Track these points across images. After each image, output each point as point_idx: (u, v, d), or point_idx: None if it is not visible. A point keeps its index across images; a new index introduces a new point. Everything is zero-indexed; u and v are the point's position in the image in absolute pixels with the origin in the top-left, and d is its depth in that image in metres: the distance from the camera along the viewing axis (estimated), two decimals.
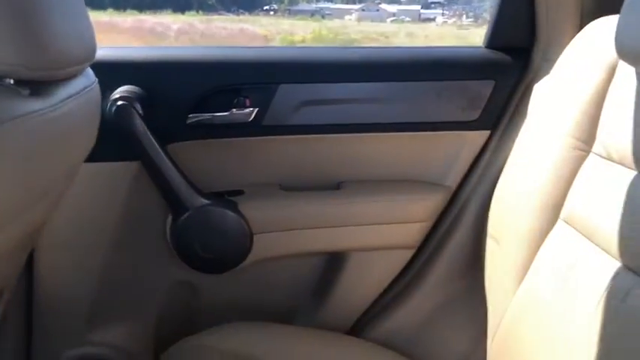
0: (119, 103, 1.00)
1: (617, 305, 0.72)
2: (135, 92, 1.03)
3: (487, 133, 1.15)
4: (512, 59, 1.14)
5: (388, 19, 3.49)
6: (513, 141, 1.05)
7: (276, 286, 1.19)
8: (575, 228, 0.85)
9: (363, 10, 3.61)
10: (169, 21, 2.15)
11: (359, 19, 3.49)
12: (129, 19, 2.08)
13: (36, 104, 0.59)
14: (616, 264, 0.75)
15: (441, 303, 1.15)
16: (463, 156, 1.16)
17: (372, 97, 1.13)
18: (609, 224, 0.77)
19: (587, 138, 0.87)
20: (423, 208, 1.16)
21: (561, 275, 0.84)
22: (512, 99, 1.13)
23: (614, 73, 0.86)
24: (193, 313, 1.20)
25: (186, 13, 2.43)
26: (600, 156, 0.85)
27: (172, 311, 1.18)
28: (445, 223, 1.17)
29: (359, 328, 1.18)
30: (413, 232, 1.17)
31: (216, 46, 1.26)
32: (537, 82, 1.09)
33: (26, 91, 0.59)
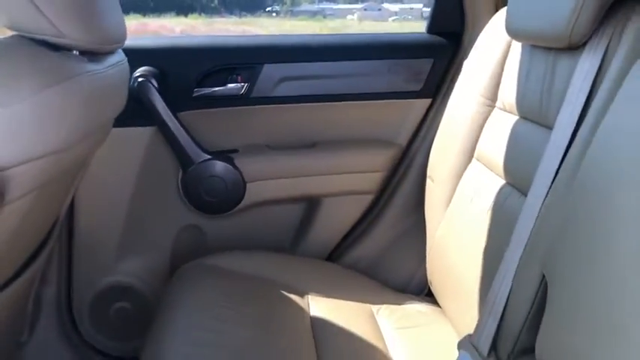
0: (140, 79, 1.30)
1: (499, 208, 1.03)
2: (151, 71, 1.33)
3: (429, 100, 1.46)
4: (447, 42, 1.45)
5: (390, 18, 3.64)
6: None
7: (267, 225, 1.49)
8: (482, 163, 1.16)
9: (365, 9, 3.75)
10: (172, 24, 2.26)
11: (360, 19, 3.63)
12: (132, 22, 2.15)
13: (92, 67, 0.88)
14: (502, 182, 1.06)
15: (396, 234, 1.46)
16: (411, 119, 1.47)
17: (338, 73, 1.43)
18: (501, 156, 1.08)
19: (492, 96, 1.18)
20: (380, 160, 1.47)
21: (470, 197, 1.15)
22: (447, 73, 1.44)
23: (509, 48, 1.16)
24: (201, 250, 1.50)
25: (189, 16, 2.57)
26: (500, 109, 1.16)
27: (184, 249, 1.48)
28: (398, 172, 1.48)
29: (334, 255, 1.50)
30: (373, 180, 1.47)
31: (215, 35, 1.56)
32: (466, 59, 1.39)
33: (85, 59, 0.88)
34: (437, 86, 1.45)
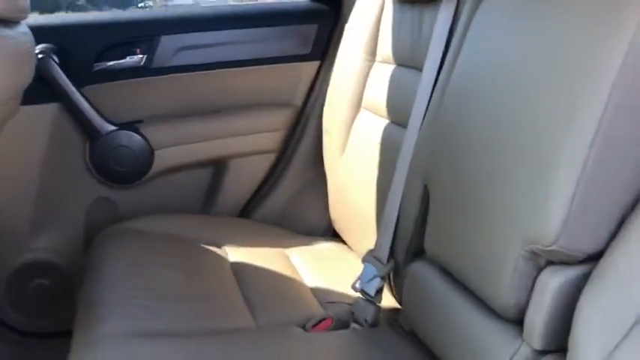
0: (40, 56, 1.32)
1: (386, 143, 1.20)
2: (51, 48, 1.36)
3: (318, 62, 1.61)
4: (329, 8, 1.60)
5: None
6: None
7: (178, 190, 1.57)
8: (370, 111, 1.33)
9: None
10: None
11: None
12: None
13: (9, 32, 0.93)
14: (386, 122, 1.23)
15: (301, 185, 1.60)
16: (303, 80, 1.61)
17: (233, 41, 1.54)
18: (384, 100, 1.25)
19: (372, 51, 1.35)
20: (279, 120, 1.60)
21: (362, 141, 1.32)
22: (332, 36, 1.59)
23: (383, 8, 1.33)
24: (115, 222, 1.54)
25: (55, 13, 2.53)
26: (379, 62, 1.33)
27: (97, 222, 1.52)
28: (297, 130, 1.62)
29: (245, 212, 1.61)
30: (274, 139, 1.60)
31: (112, 12, 1.59)
32: (347, 22, 1.55)
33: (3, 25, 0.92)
34: (323, 49, 1.59)
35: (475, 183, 0.84)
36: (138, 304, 1.05)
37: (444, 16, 1.06)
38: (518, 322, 0.76)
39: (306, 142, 1.60)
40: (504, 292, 0.76)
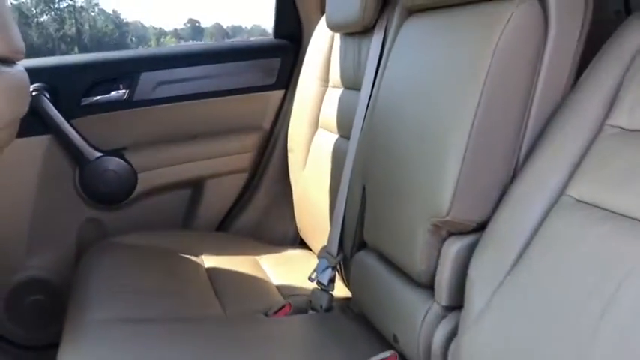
0: (34, 93, 1.51)
1: (336, 154, 1.38)
2: (43, 86, 1.54)
3: (282, 91, 1.80)
4: (290, 44, 1.80)
5: None
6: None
7: (160, 209, 1.74)
8: (325, 129, 1.51)
9: None
10: None
11: None
12: None
13: (7, 69, 1.11)
14: (337, 136, 1.41)
15: (270, 201, 1.78)
16: (270, 107, 1.80)
17: (206, 74, 1.73)
18: (334, 118, 1.44)
19: (326, 77, 1.54)
20: (249, 143, 1.78)
21: (319, 155, 1.50)
22: (294, 68, 1.79)
23: (333, 41, 1.53)
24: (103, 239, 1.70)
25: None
26: (331, 86, 1.52)
27: (88, 241, 1.68)
28: (266, 151, 1.80)
29: (223, 226, 1.78)
30: (245, 160, 1.78)
31: (96, 53, 1.79)
32: (305, 55, 1.74)
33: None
34: (286, 79, 1.79)
35: (395, 175, 1.02)
36: (122, 299, 1.21)
37: (375, 44, 1.25)
38: (430, 286, 0.93)
39: (274, 161, 1.78)
40: (417, 261, 0.93)
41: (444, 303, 0.90)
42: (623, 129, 0.77)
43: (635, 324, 0.63)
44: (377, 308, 1.10)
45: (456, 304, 0.89)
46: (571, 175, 0.80)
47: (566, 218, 0.77)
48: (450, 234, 0.91)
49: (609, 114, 0.80)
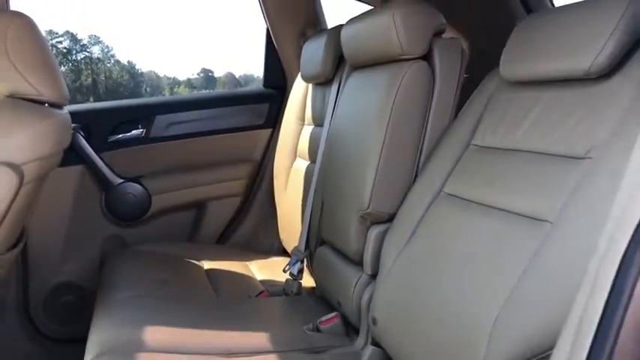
0: (71, 132, 1.92)
1: (307, 176, 1.76)
2: (78, 126, 1.95)
3: (270, 129, 2.20)
4: (276, 91, 2.22)
5: None
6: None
7: (169, 226, 2.12)
8: (301, 157, 1.91)
9: None
10: None
11: None
12: None
13: (58, 111, 1.51)
14: (308, 162, 1.80)
15: (260, 219, 2.16)
16: (260, 142, 2.20)
17: (207, 117, 2.14)
18: (306, 149, 1.82)
19: (302, 117, 1.94)
20: (243, 172, 2.18)
21: (296, 179, 1.88)
22: (280, 111, 2.19)
23: (307, 89, 1.94)
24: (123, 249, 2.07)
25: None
26: (306, 124, 1.92)
27: (110, 251, 2.05)
28: (257, 179, 2.19)
29: (221, 240, 2.16)
30: (239, 186, 2.18)
31: (121, 100, 2.21)
32: (288, 101, 2.15)
33: (51, 108, 1.46)
34: (273, 120, 2.20)
35: (338, 185, 1.41)
36: (138, 286, 1.57)
37: (333, 91, 1.66)
38: (360, 262, 1.30)
39: (263, 186, 2.17)
40: (351, 244, 1.30)
41: (368, 272, 1.27)
42: (479, 146, 1.15)
43: (467, 262, 0.99)
44: (329, 285, 1.46)
45: (376, 272, 1.26)
46: (447, 178, 1.17)
47: (440, 206, 1.15)
48: (372, 223, 1.28)
49: (473, 137, 1.18)
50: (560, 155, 0.94)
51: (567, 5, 1.05)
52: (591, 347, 0.60)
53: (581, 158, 0.89)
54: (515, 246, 0.92)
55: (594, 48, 0.90)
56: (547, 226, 0.88)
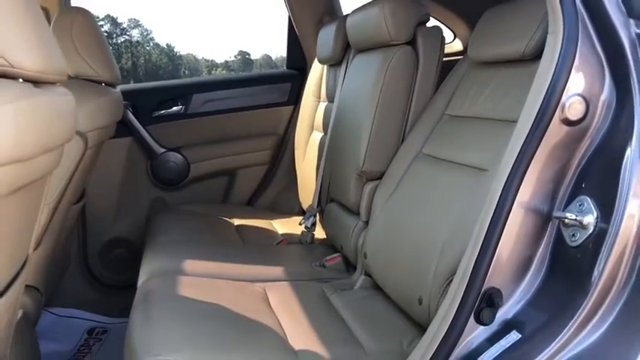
0: (122, 107, 2.25)
1: (321, 144, 2.05)
2: (128, 103, 2.28)
3: (292, 106, 2.49)
4: (298, 72, 2.50)
5: None
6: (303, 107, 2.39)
7: (205, 189, 2.45)
8: (316, 130, 2.19)
9: None
10: None
11: None
12: None
13: (113, 90, 1.83)
14: (322, 134, 2.09)
15: (283, 184, 2.47)
16: (283, 117, 2.49)
17: (238, 95, 2.45)
18: (321, 122, 2.10)
19: (318, 95, 2.23)
20: (269, 144, 2.49)
21: (312, 149, 2.17)
22: (300, 90, 2.47)
23: (323, 70, 2.21)
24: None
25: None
26: (322, 101, 2.20)
27: (154, 211, 2.39)
28: (280, 150, 2.49)
29: (250, 202, 2.49)
30: (265, 156, 2.49)
31: (163, 81, 2.53)
32: (307, 81, 2.43)
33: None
34: (295, 98, 2.49)
35: (341, 150, 1.69)
36: (178, 234, 1.89)
37: (341, 72, 1.93)
38: (357, 212, 1.59)
39: (286, 156, 2.48)
40: (351, 197, 1.60)
41: (363, 220, 1.55)
42: (451, 115, 1.42)
43: (432, 207, 1.27)
44: (334, 233, 1.76)
45: (369, 219, 1.54)
46: (425, 141, 1.44)
47: (419, 164, 1.42)
48: (367, 180, 1.56)
49: (447, 108, 1.44)
50: (503, 120, 1.20)
51: (518, 1, 1.30)
52: (481, 246, 0.89)
53: (514, 121, 1.15)
54: (464, 190, 1.19)
55: (527, 35, 1.15)
56: (486, 173, 1.15)
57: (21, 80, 0.86)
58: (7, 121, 0.78)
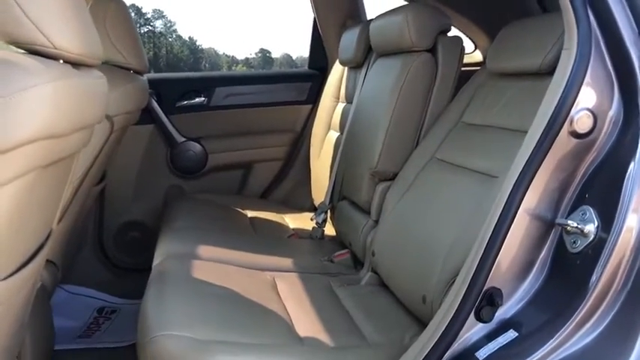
0: (148, 95, 2.31)
1: (336, 143, 2.10)
2: (152, 92, 2.35)
3: (310, 105, 2.55)
4: (318, 72, 2.55)
5: None
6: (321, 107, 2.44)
7: (222, 180, 2.51)
8: (333, 129, 2.24)
9: None
10: None
11: None
12: None
13: (140, 77, 1.89)
14: (338, 134, 2.14)
15: (298, 179, 2.52)
16: (301, 115, 2.55)
17: (259, 91, 2.51)
18: (338, 122, 2.16)
19: (337, 96, 2.28)
20: (286, 140, 2.54)
21: (328, 147, 2.22)
22: (319, 90, 2.53)
23: (343, 71, 2.26)
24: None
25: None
26: (341, 102, 2.25)
27: (171, 198, 2.45)
28: (297, 146, 2.55)
29: (264, 195, 2.55)
30: (281, 152, 2.54)
31: (187, 72, 2.60)
32: (327, 82, 2.48)
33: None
34: (314, 97, 2.55)
35: (356, 149, 1.74)
36: (193, 220, 1.95)
37: (361, 74, 1.98)
38: (368, 211, 1.64)
39: (301, 153, 2.53)
40: (363, 196, 1.65)
41: (373, 219, 1.60)
42: (466, 123, 1.46)
43: (441, 209, 1.31)
44: (344, 230, 1.81)
45: (379, 218, 1.59)
46: (439, 146, 1.49)
47: (431, 168, 1.47)
48: (380, 180, 1.61)
49: (462, 115, 1.49)
50: (516, 130, 1.25)
51: (537, 17, 1.35)
52: (484, 250, 0.93)
53: (527, 132, 1.19)
54: (473, 195, 1.24)
55: (545, 50, 1.20)
56: (496, 180, 1.19)
57: (61, 61, 0.91)
58: (46, 98, 0.82)
